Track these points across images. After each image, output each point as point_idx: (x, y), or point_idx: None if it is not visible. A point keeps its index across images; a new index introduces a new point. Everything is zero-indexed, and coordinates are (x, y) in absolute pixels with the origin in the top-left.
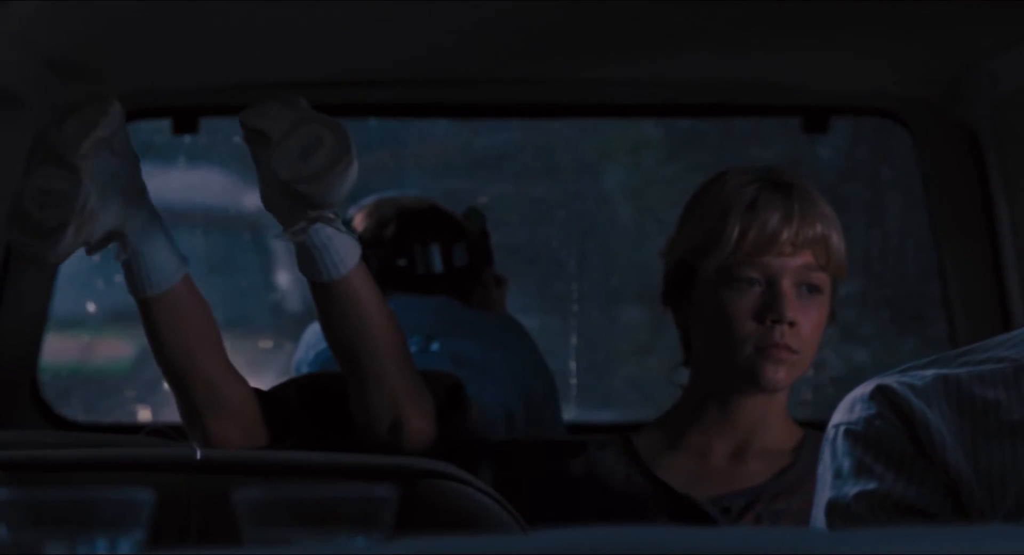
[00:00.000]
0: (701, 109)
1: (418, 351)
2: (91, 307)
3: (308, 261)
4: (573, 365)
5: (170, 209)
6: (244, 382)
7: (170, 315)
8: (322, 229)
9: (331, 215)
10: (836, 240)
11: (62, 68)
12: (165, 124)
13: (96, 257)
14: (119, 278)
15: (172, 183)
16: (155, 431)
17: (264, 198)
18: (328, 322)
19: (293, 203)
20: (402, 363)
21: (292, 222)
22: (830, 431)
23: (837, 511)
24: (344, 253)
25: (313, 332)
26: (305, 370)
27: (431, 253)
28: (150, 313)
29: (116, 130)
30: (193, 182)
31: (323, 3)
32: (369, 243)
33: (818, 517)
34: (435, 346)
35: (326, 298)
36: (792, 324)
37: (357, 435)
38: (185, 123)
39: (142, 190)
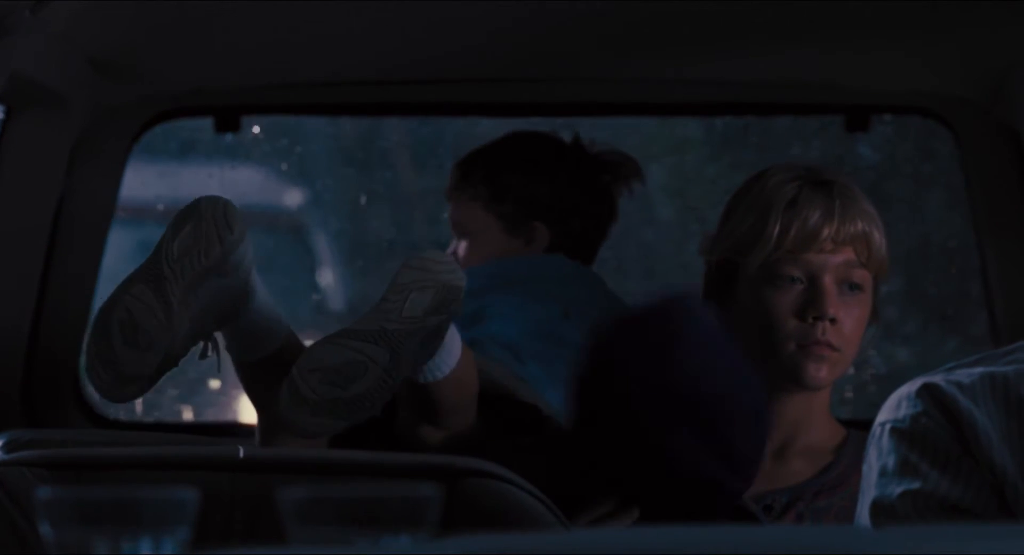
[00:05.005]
0: (743, 108)
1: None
2: None
3: None
4: None
5: None
6: None
7: (269, 373)
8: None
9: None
10: (877, 237)
11: (104, 67)
12: (207, 123)
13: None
14: None
15: (214, 182)
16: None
17: None
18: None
19: None
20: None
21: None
22: (876, 429)
23: (882, 510)
24: (444, 355)
25: None
26: None
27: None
28: (246, 372)
29: (230, 254)
30: (235, 181)
31: (362, 3)
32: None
33: (863, 514)
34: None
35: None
36: (834, 321)
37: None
38: (227, 122)
39: (248, 298)
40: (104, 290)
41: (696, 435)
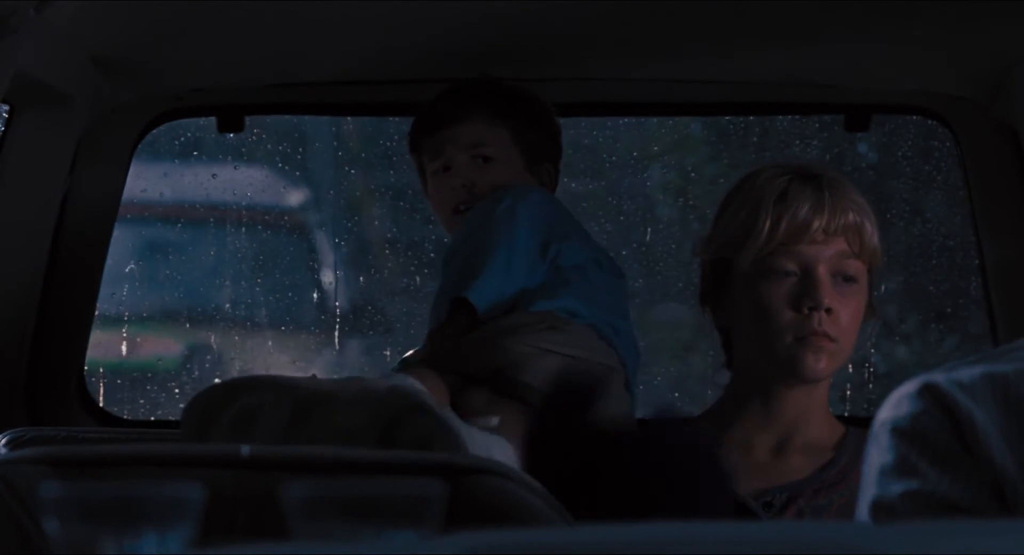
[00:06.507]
0: (744, 107)
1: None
2: (139, 304)
3: None
4: None
5: (215, 207)
6: None
7: None
8: None
9: None
10: (869, 228)
11: (108, 66)
12: (210, 122)
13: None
14: (165, 274)
15: (217, 181)
16: None
17: None
18: None
19: None
20: None
21: None
22: (876, 427)
23: (882, 509)
24: None
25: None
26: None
27: None
28: None
29: None
30: (238, 180)
31: (364, 3)
32: None
33: (862, 513)
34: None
35: None
36: (829, 311)
37: None
38: (230, 122)
39: None
40: (107, 289)
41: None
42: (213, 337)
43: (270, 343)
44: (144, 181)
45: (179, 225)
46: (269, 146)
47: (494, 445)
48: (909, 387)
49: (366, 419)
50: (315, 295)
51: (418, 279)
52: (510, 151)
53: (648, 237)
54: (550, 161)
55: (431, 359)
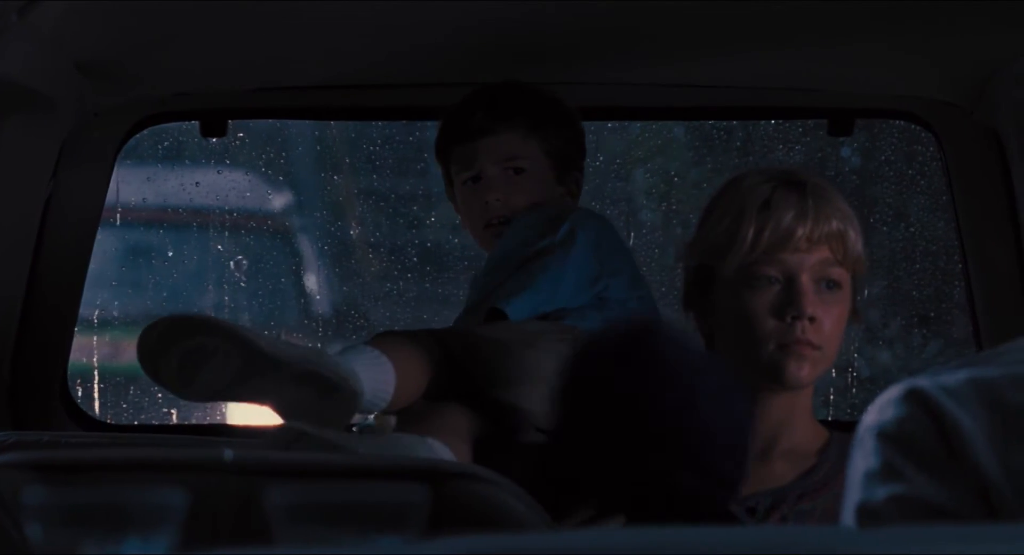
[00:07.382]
0: (728, 111)
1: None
2: (122, 308)
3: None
4: None
5: (199, 211)
6: None
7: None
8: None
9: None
10: (853, 235)
11: (91, 71)
12: (193, 126)
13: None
14: (148, 278)
15: (201, 185)
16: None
17: None
18: None
19: None
20: None
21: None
22: (861, 432)
23: (867, 514)
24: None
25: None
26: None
27: None
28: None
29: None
30: (221, 184)
31: (349, 5)
32: None
33: (847, 518)
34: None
35: None
36: (812, 319)
37: None
38: (213, 126)
39: None
40: (90, 293)
41: (678, 458)
42: None
43: None
44: (127, 185)
45: (162, 229)
46: (252, 150)
47: (402, 446)
48: (894, 392)
49: (307, 396)
50: (298, 299)
51: (401, 283)
52: (542, 163)
53: (631, 242)
54: (578, 169)
55: (421, 334)
